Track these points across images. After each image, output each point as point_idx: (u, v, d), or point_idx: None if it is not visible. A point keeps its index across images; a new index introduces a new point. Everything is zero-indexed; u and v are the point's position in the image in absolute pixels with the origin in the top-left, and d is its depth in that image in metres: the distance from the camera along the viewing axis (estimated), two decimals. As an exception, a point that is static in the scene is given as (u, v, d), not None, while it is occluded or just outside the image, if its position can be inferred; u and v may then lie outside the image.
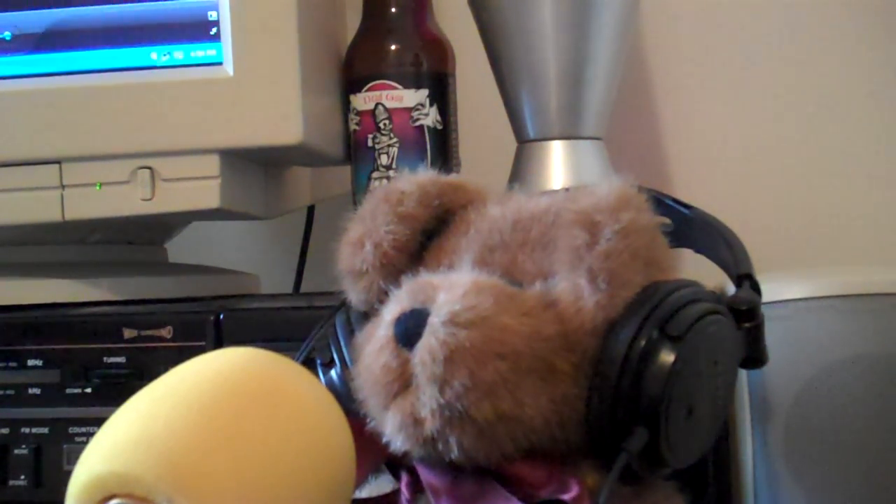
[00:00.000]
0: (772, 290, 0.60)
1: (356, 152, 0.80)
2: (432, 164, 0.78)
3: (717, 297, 0.47)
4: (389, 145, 0.78)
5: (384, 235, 0.49)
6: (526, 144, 0.81)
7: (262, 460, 0.40)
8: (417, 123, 0.78)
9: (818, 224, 0.98)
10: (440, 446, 0.43)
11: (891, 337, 0.58)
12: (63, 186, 0.73)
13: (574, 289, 0.44)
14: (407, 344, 0.44)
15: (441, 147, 0.79)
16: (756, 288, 0.49)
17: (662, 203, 0.55)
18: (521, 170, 0.80)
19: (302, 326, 0.66)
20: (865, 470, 0.58)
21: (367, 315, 0.49)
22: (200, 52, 0.73)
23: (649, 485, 0.46)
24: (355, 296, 0.50)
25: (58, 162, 0.73)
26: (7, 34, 0.75)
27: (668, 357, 0.42)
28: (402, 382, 0.44)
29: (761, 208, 0.98)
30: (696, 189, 0.99)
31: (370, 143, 0.79)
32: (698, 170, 1.00)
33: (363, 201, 0.51)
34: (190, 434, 0.39)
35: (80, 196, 0.73)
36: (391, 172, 0.78)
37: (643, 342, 0.43)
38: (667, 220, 0.54)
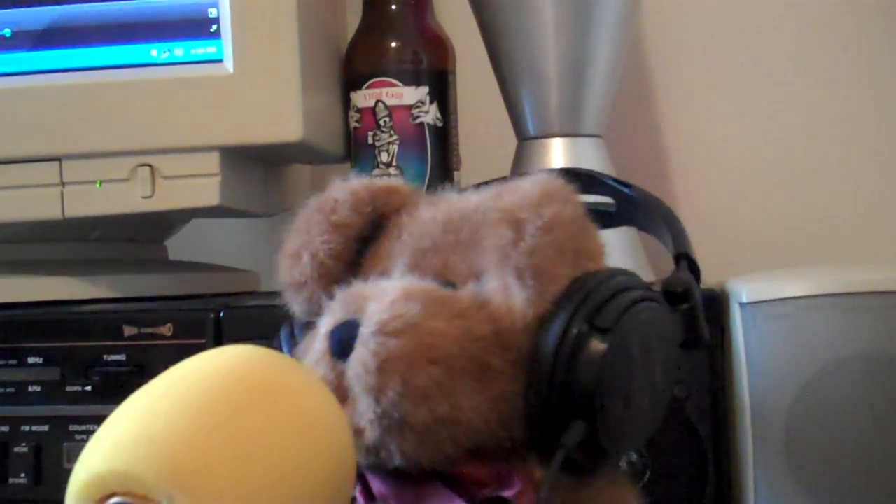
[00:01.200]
0: (772, 287, 0.60)
1: (356, 150, 0.80)
2: (432, 161, 0.78)
3: (651, 282, 0.47)
4: (390, 143, 0.78)
5: (320, 245, 0.49)
6: (526, 142, 0.81)
7: (261, 458, 0.40)
8: (418, 121, 0.78)
9: (818, 222, 0.98)
10: (382, 454, 0.44)
11: (891, 335, 0.58)
12: (63, 184, 0.73)
13: (503, 287, 0.44)
14: (341, 356, 0.44)
15: (441, 144, 0.79)
16: (694, 267, 0.49)
17: (603, 184, 0.56)
18: (521, 167, 0.80)
19: (302, 324, 0.66)
20: (865, 469, 0.58)
21: (311, 325, 0.49)
22: (200, 49, 0.73)
23: (595, 474, 0.45)
24: (297, 307, 0.50)
25: (58, 159, 0.73)
26: (7, 31, 0.75)
27: (598, 348, 0.42)
28: (340, 394, 0.44)
29: (761, 206, 0.98)
30: (695, 187, 0.99)
31: (370, 141, 0.79)
32: (698, 167, 1.00)
33: (298, 214, 0.51)
34: (190, 432, 0.39)
35: (80, 193, 0.73)
36: (391, 170, 0.78)
37: (573, 335, 0.43)
38: (609, 201, 0.54)
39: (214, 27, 0.73)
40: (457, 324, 0.43)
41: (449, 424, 0.43)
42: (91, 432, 0.41)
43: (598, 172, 0.57)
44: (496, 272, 0.44)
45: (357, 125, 0.79)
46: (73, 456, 0.67)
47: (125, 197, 0.73)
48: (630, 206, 0.55)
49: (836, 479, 0.59)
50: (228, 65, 0.72)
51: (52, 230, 0.79)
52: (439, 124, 0.79)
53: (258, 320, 0.69)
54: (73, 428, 0.69)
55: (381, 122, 0.78)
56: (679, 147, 1.00)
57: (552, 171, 0.47)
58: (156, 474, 0.38)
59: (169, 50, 0.74)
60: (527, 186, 0.45)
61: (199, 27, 0.73)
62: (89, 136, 0.72)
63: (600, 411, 0.42)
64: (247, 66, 0.72)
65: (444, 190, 0.51)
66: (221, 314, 0.69)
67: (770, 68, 0.99)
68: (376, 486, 0.46)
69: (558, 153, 0.79)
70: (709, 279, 0.72)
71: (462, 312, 0.44)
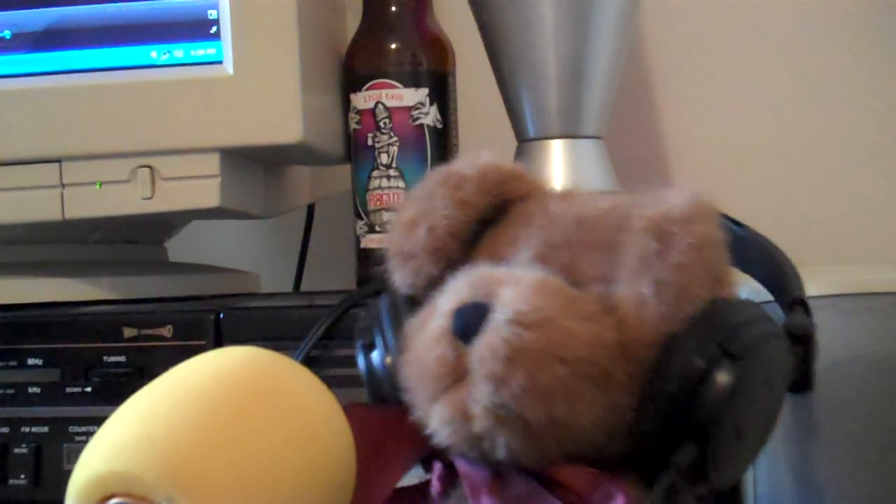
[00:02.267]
0: (772, 289, 0.60)
1: (356, 151, 0.80)
2: (432, 163, 0.78)
3: (774, 321, 0.46)
4: (389, 144, 0.78)
5: (439, 219, 0.47)
6: (526, 143, 0.81)
7: (261, 459, 0.40)
8: (417, 122, 0.78)
9: (818, 223, 0.98)
10: (486, 445, 0.42)
11: (892, 336, 0.58)
12: (63, 185, 0.73)
13: (637, 297, 0.43)
14: (464, 337, 0.42)
15: (441, 146, 0.79)
16: (809, 314, 0.48)
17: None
18: (521, 169, 0.80)
19: (302, 325, 0.66)
20: (866, 469, 0.58)
21: (413, 300, 0.48)
22: (200, 50, 0.73)
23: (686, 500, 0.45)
24: (402, 278, 0.48)
25: (58, 161, 0.73)
26: (7, 33, 0.75)
27: (726, 376, 0.42)
28: (456, 376, 0.43)
29: (761, 206, 0.98)
30: (695, 187, 0.99)
31: (370, 142, 0.79)
32: (698, 169, 1.00)
33: (420, 183, 0.49)
34: (190, 433, 0.39)
35: (80, 195, 0.73)
36: (391, 171, 0.78)
37: (703, 359, 0.42)
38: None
39: (214, 29, 0.73)
40: (588, 326, 0.42)
41: (561, 427, 0.42)
42: (91, 434, 0.41)
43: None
44: (631, 280, 0.43)
45: (357, 127, 0.79)
46: (73, 457, 0.67)
47: (125, 198, 0.73)
48: (739, 245, 0.51)
49: (837, 479, 0.58)
50: (228, 66, 0.72)
51: (52, 232, 0.79)
52: (439, 126, 0.79)
53: (258, 321, 0.69)
54: (73, 429, 0.69)
55: (381, 124, 0.78)
56: (679, 148, 1.00)
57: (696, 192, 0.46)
58: (156, 475, 0.38)
59: (169, 51, 0.74)
60: (675, 200, 0.44)
61: (198, 29, 0.73)
62: (89, 137, 0.72)
63: (714, 438, 0.42)
64: (247, 68, 0.72)
65: (572, 187, 0.50)
66: (221, 315, 0.69)
67: (770, 68, 0.99)
68: (471, 473, 0.44)
69: (558, 155, 0.79)
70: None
71: (592, 315, 0.43)
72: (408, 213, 0.48)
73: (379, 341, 0.49)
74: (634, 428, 0.42)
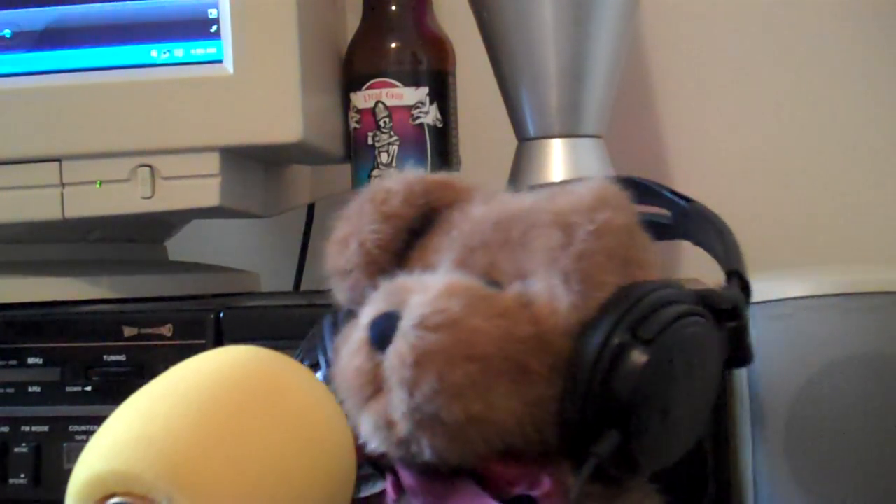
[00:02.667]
0: (772, 288, 0.60)
1: (356, 150, 0.80)
2: (432, 162, 0.78)
3: (700, 296, 0.46)
4: (389, 143, 0.78)
5: (368, 234, 0.49)
6: (526, 142, 0.81)
7: (261, 458, 0.40)
8: (417, 122, 0.78)
9: (818, 222, 0.98)
10: (413, 448, 0.43)
11: (891, 335, 0.58)
12: (63, 184, 0.73)
13: (549, 290, 0.44)
14: (380, 347, 0.44)
15: (441, 145, 0.79)
16: (745, 285, 0.49)
17: (661, 195, 0.55)
18: (521, 168, 0.80)
19: (302, 325, 0.66)
20: (865, 469, 0.58)
21: (354, 314, 0.49)
22: (200, 49, 0.73)
23: (627, 485, 0.45)
24: (341, 295, 0.50)
25: (58, 160, 0.73)
26: (7, 32, 0.75)
27: (638, 360, 0.42)
28: (376, 385, 0.44)
29: (761, 206, 0.98)
30: (695, 187, 0.98)
31: (370, 142, 0.79)
32: (698, 168, 1.00)
33: (351, 201, 0.51)
34: (189, 432, 0.39)
35: (80, 194, 0.73)
36: (391, 171, 0.78)
37: (614, 345, 0.42)
38: (664, 212, 0.54)
39: (214, 28, 0.73)
40: (498, 323, 0.43)
41: (481, 423, 0.43)
42: (91, 433, 0.41)
43: (655, 183, 0.56)
44: (543, 274, 0.44)
45: (357, 126, 0.79)
46: (73, 456, 0.67)
47: (125, 197, 0.73)
48: (685, 219, 0.54)
49: (836, 479, 0.58)
50: (228, 65, 0.72)
51: (52, 231, 0.79)
52: (439, 125, 0.79)
53: (258, 321, 0.69)
54: (73, 428, 0.69)
55: (381, 123, 0.78)
56: (679, 147, 1.00)
57: (610, 178, 0.47)
58: (155, 474, 0.38)
59: (169, 51, 0.74)
60: (581, 191, 0.45)
61: (199, 28, 0.73)
62: (89, 136, 0.72)
63: (636, 423, 0.42)
64: (247, 67, 0.72)
65: (503, 189, 0.51)
66: (221, 315, 0.69)
67: (770, 68, 0.99)
68: (406, 479, 0.46)
69: (558, 154, 0.79)
70: (709, 279, 0.72)
71: (504, 312, 0.44)
72: (340, 231, 0.50)
73: (322, 360, 0.50)
74: (559, 418, 0.43)
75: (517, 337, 0.43)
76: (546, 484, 0.44)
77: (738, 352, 0.47)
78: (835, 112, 0.98)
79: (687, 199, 0.54)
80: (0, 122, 0.73)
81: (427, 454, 0.43)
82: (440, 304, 0.43)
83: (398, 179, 0.50)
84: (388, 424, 0.43)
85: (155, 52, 0.74)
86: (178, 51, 0.74)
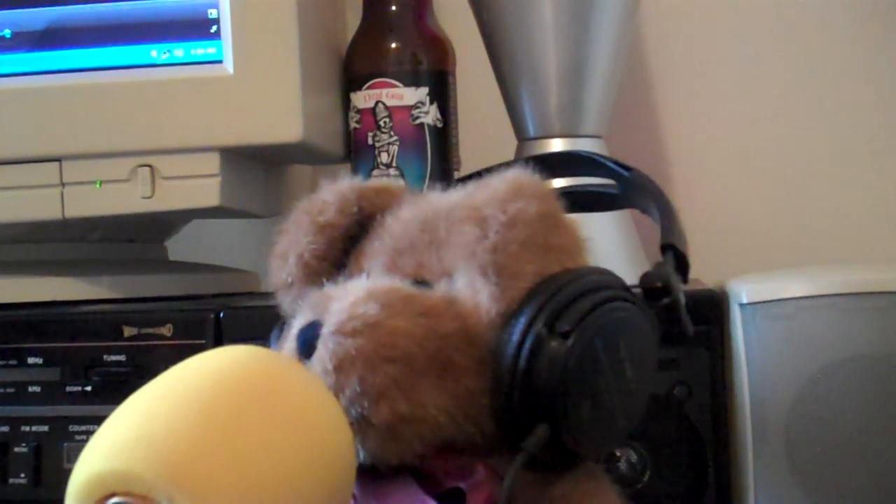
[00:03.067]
0: (772, 288, 0.60)
1: (356, 150, 0.80)
2: (432, 162, 0.78)
3: (621, 284, 0.46)
4: (389, 143, 0.78)
5: (305, 246, 0.50)
6: (526, 142, 0.81)
7: (261, 458, 0.40)
8: (417, 121, 0.78)
9: (818, 222, 0.98)
10: None
11: (891, 335, 0.58)
12: (63, 184, 0.73)
13: (469, 284, 0.44)
14: (307, 356, 0.45)
15: (441, 145, 0.79)
16: (680, 258, 0.49)
17: (604, 166, 0.55)
18: (521, 168, 0.80)
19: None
20: (865, 469, 0.58)
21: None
22: (200, 49, 0.73)
23: (568, 471, 0.45)
24: (286, 307, 0.51)
25: (58, 160, 0.73)
26: (7, 32, 0.75)
27: (557, 351, 0.42)
28: None
29: (761, 206, 0.98)
30: (696, 187, 0.99)
31: (370, 141, 0.79)
32: (698, 168, 1.00)
33: (288, 215, 0.52)
34: (189, 432, 0.39)
35: (80, 194, 0.73)
36: (391, 170, 0.78)
37: (532, 338, 0.42)
38: (609, 183, 0.54)
39: (214, 28, 0.73)
40: (420, 322, 0.44)
41: (411, 422, 0.43)
42: (91, 433, 0.41)
43: (598, 154, 0.56)
44: (464, 270, 0.45)
45: (357, 126, 0.79)
46: (73, 456, 0.67)
47: (125, 197, 0.73)
48: (630, 188, 0.54)
49: (836, 479, 0.59)
50: (228, 65, 0.72)
51: (52, 231, 0.79)
52: (439, 125, 0.79)
53: (258, 320, 0.69)
54: (72, 428, 0.69)
55: (381, 123, 0.78)
56: (679, 147, 1.00)
57: (547, 155, 0.47)
58: (155, 474, 0.38)
59: (169, 51, 0.74)
60: (496, 183, 0.45)
61: (199, 28, 0.73)
62: (89, 136, 0.72)
63: (563, 414, 0.42)
64: (247, 67, 0.72)
65: (429, 189, 0.52)
66: (221, 315, 0.69)
67: (770, 68, 0.99)
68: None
69: (558, 153, 0.79)
70: (709, 279, 0.72)
71: (427, 310, 0.44)
72: (279, 246, 0.51)
73: None
74: (491, 411, 0.43)
75: (440, 333, 0.43)
76: (479, 473, 0.44)
77: (676, 329, 0.47)
78: (835, 112, 0.98)
79: (628, 169, 0.54)
80: (0, 122, 0.73)
81: (362, 456, 0.44)
82: (357, 310, 0.43)
83: (332, 190, 0.51)
84: None
85: (155, 52, 0.74)
86: (178, 51, 0.74)
